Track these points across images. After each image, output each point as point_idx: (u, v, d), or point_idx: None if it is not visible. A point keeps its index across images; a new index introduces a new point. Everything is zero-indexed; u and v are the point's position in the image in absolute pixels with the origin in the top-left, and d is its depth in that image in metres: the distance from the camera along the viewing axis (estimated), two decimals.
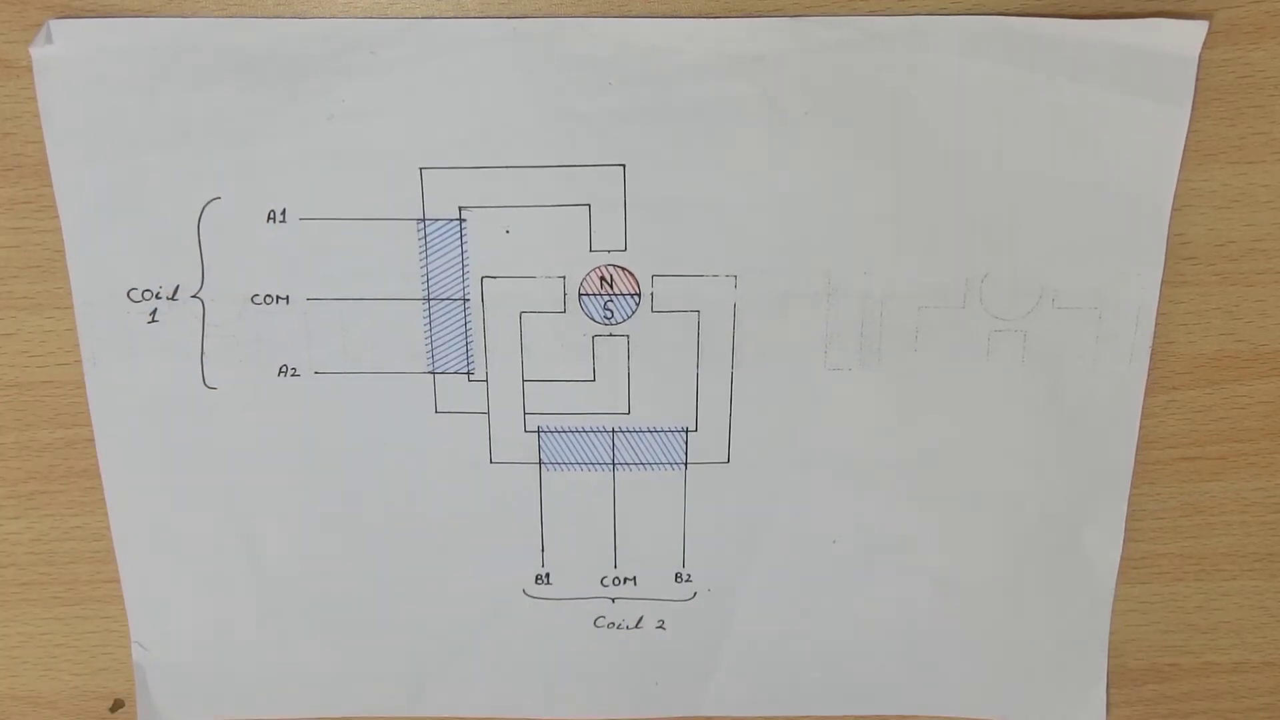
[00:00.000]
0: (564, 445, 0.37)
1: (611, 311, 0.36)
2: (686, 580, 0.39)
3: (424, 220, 0.35)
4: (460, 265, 0.35)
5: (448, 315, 0.36)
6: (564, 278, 0.35)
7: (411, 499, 0.38)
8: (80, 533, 0.39)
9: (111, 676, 0.41)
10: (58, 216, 0.35)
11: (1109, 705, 0.41)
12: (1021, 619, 0.39)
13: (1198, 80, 0.33)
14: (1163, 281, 0.35)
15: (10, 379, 0.37)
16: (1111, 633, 0.40)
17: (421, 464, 0.37)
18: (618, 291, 0.36)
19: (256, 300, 0.36)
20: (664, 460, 0.37)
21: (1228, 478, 0.38)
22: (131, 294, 0.35)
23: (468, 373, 0.36)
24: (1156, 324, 0.36)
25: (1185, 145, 0.34)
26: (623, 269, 0.35)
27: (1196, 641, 0.40)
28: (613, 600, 0.39)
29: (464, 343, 0.36)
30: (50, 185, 0.34)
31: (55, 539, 0.39)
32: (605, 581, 0.39)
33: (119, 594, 0.39)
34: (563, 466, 0.38)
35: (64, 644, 0.41)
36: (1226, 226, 0.35)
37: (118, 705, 0.41)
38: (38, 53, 0.33)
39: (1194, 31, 0.33)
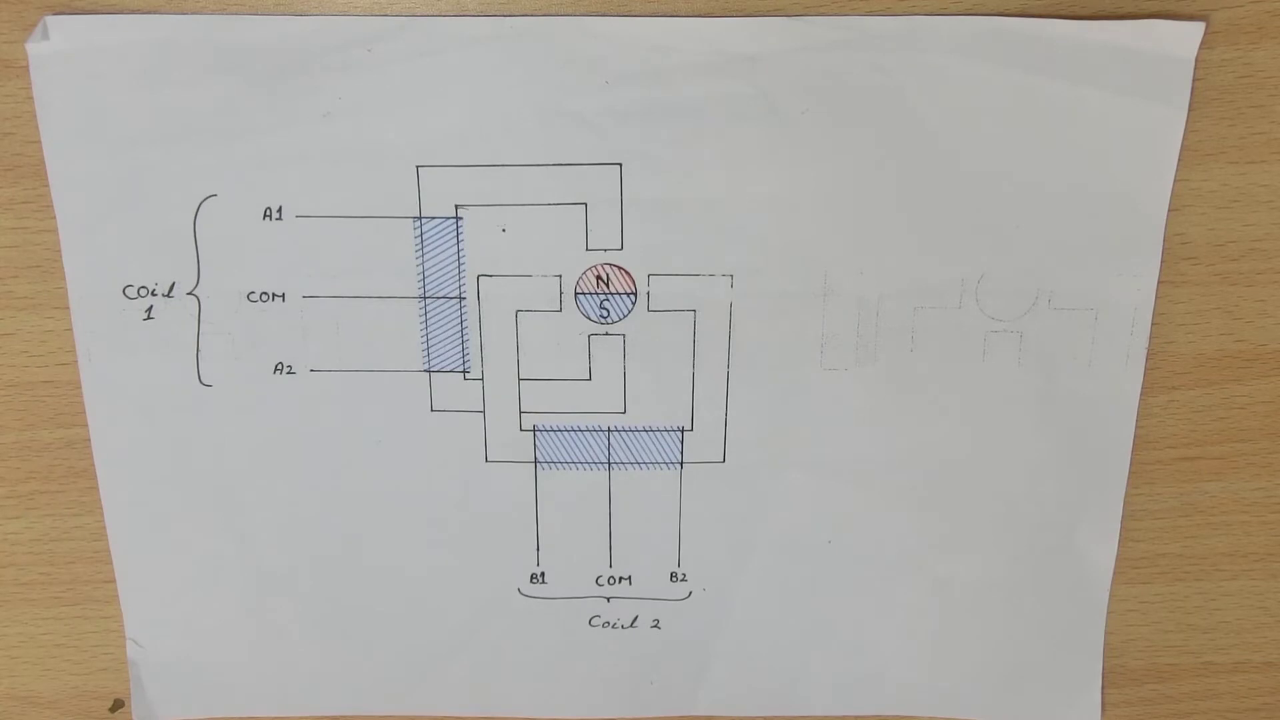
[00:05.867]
0: (559, 444, 0.37)
1: (608, 310, 0.36)
2: (681, 579, 0.39)
3: (420, 218, 0.35)
4: (456, 263, 0.35)
5: (443, 313, 0.36)
6: (560, 276, 0.35)
7: (406, 497, 0.38)
8: (80, 533, 0.39)
9: (111, 676, 0.41)
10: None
11: (1109, 705, 0.41)
12: (1016, 619, 0.39)
13: (1195, 81, 0.33)
14: (1162, 281, 0.35)
15: (10, 379, 0.37)
16: (1111, 633, 0.39)
17: (416, 462, 0.37)
18: (614, 290, 0.35)
19: (252, 298, 0.36)
20: (659, 460, 0.37)
21: (1227, 478, 0.38)
22: (127, 291, 0.36)
23: (463, 371, 0.36)
24: (1156, 324, 0.36)
25: (1184, 145, 0.34)
26: (619, 268, 0.35)
27: (1196, 641, 0.40)
28: (608, 599, 0.39)
29: (460, 341, 0.36)
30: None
31: (55, 539, 0.39)
32: (600, 581, 0.39)
33: (119, 593, 0.39)
34: (558, 465, 0.37)
35: (64, 644, 0.41)
36: (1226, 226, 0.35)
37: (117, 705, 0.41)
38: (34, 49, 0.33)
39: (1191, 33, 0.32)
